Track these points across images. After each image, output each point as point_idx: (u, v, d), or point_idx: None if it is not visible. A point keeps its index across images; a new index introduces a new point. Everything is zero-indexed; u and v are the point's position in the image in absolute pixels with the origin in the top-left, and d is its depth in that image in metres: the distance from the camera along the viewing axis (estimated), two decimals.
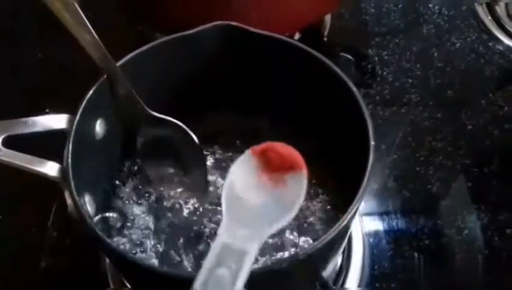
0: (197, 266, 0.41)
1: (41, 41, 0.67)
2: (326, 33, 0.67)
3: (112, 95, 0.39)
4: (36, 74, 0.64)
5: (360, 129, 0.35)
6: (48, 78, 0.63)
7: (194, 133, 0.42)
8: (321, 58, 0.40)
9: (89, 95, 0.37)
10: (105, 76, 0.37)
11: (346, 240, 0.40)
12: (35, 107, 0.42)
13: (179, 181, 0.45)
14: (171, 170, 0.45)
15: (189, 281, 0.27)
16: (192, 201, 0.44)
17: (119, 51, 0.39)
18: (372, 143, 0.33)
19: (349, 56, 0.66)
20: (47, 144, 0.35)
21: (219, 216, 0.43)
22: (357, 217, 0.50)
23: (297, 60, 0.41)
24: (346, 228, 0.33)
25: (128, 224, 0.43)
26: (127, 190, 0.45)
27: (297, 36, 0.63)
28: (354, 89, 0.37)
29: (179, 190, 0.45)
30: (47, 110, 0.51)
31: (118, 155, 0.44)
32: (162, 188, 0.45)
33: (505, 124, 0.59)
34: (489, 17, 0.69)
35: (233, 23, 0.41)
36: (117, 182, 0.45)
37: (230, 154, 0.48)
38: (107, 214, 0.43)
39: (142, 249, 0.42)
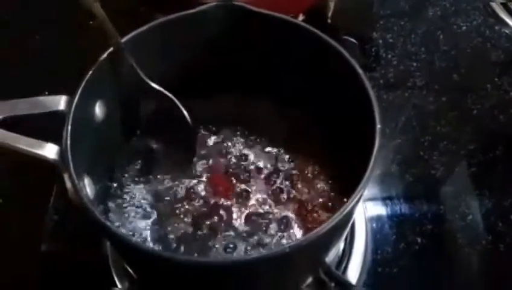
0: (196, 249, 0.40)
1: (41, 24, 0.66)
2: (329, 15, 0.65)
3: (114, 73, 0.38)
4: (36, 56, 0.63)
5: (366, 112, 0.34)
6: (48, 60, 0.62)
7: (197, 114, 0.42)
8: (328, 40, 0.39)
9: (87, 77, 0.36)
10: (103, 57, 0.37)
11: (349, 225, 0.39)
12: (34, 89, 0.41)
13: (169, 155, 0.45)
14: (164, 145, 0.45)
15: (191, 265, 0.27)
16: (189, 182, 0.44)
17: (120, 31, 0.38)
18: (379, 126, 0.33)
19: (352, 39, 0.65)
20: (46, 126, 0.35)
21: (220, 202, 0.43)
22: (360, 202, 0.50)
23: (302, 41, 0.41)
24: (350, 214, 0.33)
25: (128, 206, 0.43)
26: (127, 172, 0.45)
27: (300, 18, 0.62)
28: (361, 71, 0.36)
29: (169, 165, 0.45)
30: (46, 93, 0.51)
31: (118, 137, 0.44)
32: (160, 167, 0.44)
33: (510, 108, 0.58)
34: (497, 1, 0.68)
35: (236, 3, 0.40)
36: (117, 164, 0.45)
37: (233, 136, 0.47)
38: (107, 196, 0.43)
39: (141, 233, 0.41)
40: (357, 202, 0.31)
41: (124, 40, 0.38)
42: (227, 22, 0.41)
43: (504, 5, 0.68)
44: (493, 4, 0.68)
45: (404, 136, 0.56)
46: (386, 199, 0.51)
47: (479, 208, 0.50)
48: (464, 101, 0.59)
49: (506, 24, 0.66)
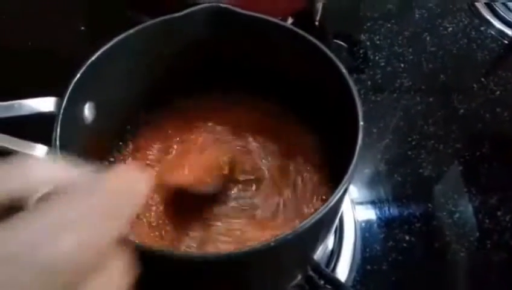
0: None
1: (30, 26, 0.66)
2: (317, 18, 0.66)
3: (104, 75, 0.38)
4: (26, 58, 0.63)
5: (349, 110, 0.35)
6: (38, 62, 0.62)
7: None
8: (313, 40, 0.39)
9: (76, 78, 0.36)
10: (91, 60, 0.37)
11: (336, 221, 0.40)
12: (24, 91, 0.41)
13: None
14: None
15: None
16: None
17: (108, 35, 0.39)
18: (361, 123, 0.33)
19: (341, 42, 0.66)
20: (36, 128, 0.35)
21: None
22: (349, 201, 0.50)
23: (288, 42, 0.41)
24: (336, 208, 0.33)
25: None
26: None
27: (290, 21, 0.62)
28: (344, 70, 0.36)
29: None
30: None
31: (108, 139, 0.44)
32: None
33: (496, 107, 0.59)
34: (481, 1, 0.69)
35: (223, 5, 0.40)
36: (108, 165, 0.45)
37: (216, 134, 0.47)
38: None
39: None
40: (342, 195, 0.31)
41: (111, 43, 0.38)
42: (215, 24, 0.41)
43: (488, 5, 0.69)
44: (478, 4, 0.69)
45: (392, 136, 0.56)
46: (374, 198, 0.52)
47: (466, 205, 0.51)
48: (451, 101, 0.59)
49: (492, 24, 0.67)
